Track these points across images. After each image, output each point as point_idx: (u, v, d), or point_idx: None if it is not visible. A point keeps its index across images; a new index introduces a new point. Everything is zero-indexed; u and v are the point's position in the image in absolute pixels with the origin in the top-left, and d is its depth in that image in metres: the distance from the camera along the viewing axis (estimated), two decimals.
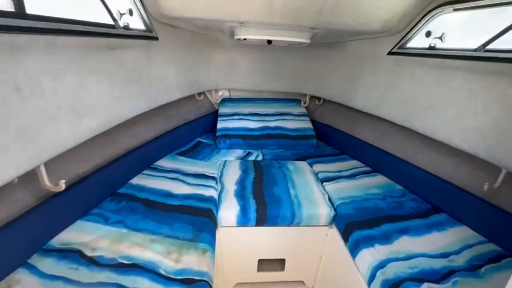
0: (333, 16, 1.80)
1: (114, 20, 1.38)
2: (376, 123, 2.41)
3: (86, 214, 1.53)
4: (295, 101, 3.20)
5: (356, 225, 1.61)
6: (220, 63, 2.90)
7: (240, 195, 1.87)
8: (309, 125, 2.90)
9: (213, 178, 2.06)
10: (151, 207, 1.65)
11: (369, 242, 1.49)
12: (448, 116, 1.62)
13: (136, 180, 1.92)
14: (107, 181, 1.72)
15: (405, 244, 1.47)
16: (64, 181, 1.26)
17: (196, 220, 1.58)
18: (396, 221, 1.65)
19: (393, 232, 1.55)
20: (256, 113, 2.94)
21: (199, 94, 2.99)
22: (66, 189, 1.35)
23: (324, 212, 1.79)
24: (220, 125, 2.80)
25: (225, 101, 3.13)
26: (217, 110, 3.04)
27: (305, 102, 3.19)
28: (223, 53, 2.85)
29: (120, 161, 1.82)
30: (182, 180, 1.98)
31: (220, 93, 3.23)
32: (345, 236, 1.63)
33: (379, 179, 2.17)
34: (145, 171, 2.06)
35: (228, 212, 1.74)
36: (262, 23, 1.92)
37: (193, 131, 2.83)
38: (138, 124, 2.13)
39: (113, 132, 1.77)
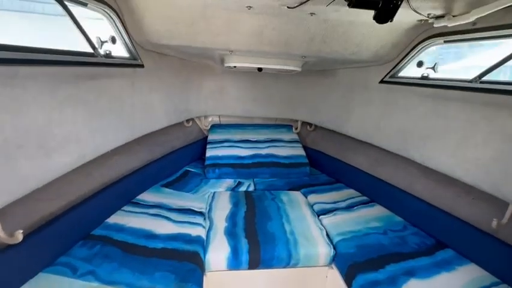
0: (324, 45, 1.78)
1: (94, 47, 1.28)
2: (369, 150, 2.35)
3: (50, 264, 1.31)
4: (287, 126, 3.14)
5: (359, 267, 1.47)
6: (210, 90, 2.83)
7: (231, 233, 1.69)
8: (301, 151, 2.82)
9: (201, 213, 1.89)
10: (129, 252, 1.44)
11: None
12: (448, 147, 1.57)
13: (114, 219, 1.72)
14: (78, 222, 1.51)
15: None
16: (21, 231, 1.07)
17: (181, 267, 1.38)
18: (401, 261, 1.51)
19: (400, 274, 1.41)
20: (247, 140, 2.84)
21: (188, 120, 2.88)
22: (27, 236, 1.15)
23: (323, 250, 1.64)
24: (210, 153, 2.67)
25: (214, 127, 3.03)
26: (207, 137, 2.93)
27: (296, 128, 3.13)
28: (213, 79, 2.80)
29: (96, 197, 1.63)
30: (166, 217, 1.79)
31: (210, 119, 3.13)
32: (348, 280, 1.47)
33: (378, 210, 2.05)
34: (125, 207, 1.86)
35: (217, 254, 1.55)
36: (252, 51, 1.89)
37: (181, 159, 2.68)
38: (119, 154, 1.96)
39: (89, 164, 1.60)
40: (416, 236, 1.75)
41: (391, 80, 1.94)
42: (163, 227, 1.68)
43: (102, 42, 1.33)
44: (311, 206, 2.12)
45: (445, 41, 1.51)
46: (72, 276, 1.26)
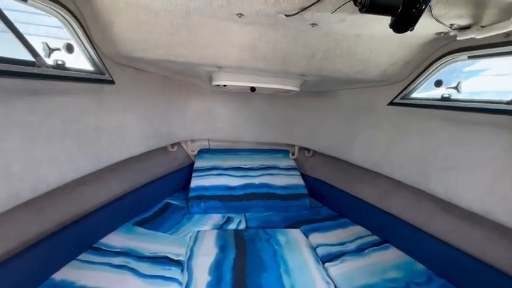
0: (326, 62, 1.55)
1: (35, 55, 0.99)
2: (377, 179, 2.05)
3: None
4: (283, 151, 2.85)
5: None
6: (197, 112, 2.55)
7: None
8: (299, 180, 2.50)
9: (178, 263, 1.51)
10: None
11: None
12: (481, 180, 1.29)
13: (63, 274, 1.33)
14: (10, 282, 1.13)
15: None
16: None
17: None
18: None
19: None
20: (238, 167, 2.52)
21: (173, 145, 2.57)
22: None
23: None
24: (195, 182, 2.32)
25: (202, 152, 2.72)
26: (194, 163, 2.60)
27: (293, 153, 2.84)
28: (200, 99, 2.53)
29: (43, 243, 1.26)
30: (133, 269, 1.41)
31: (197, 143, 2.82)
32: None
33: (393, 255, 1.71)
34: (82, 256, 1.47)
35: None
36: (244, 67, 1.64)
37: (162, 189, 2.32)
38: (85, 185, 1.61)
39: (41, 198, 1.26)
40: None
41: (403, 101, 1.70)
42: (126, 285, 1.30)
43: (51, 50, 1.05)
44: (313, 248, 1.77)
45: (469, 57, 1.29)
46: None
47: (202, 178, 2.36)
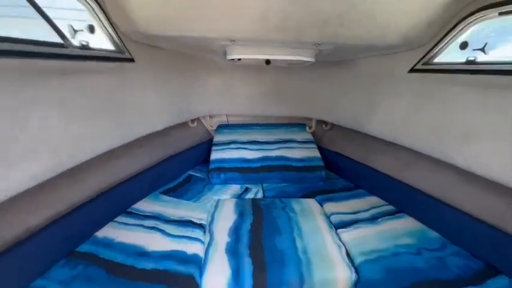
0: (342, 28, 1.49)
1: (63, 37, 1.08)
2: (397, 151, 2.02)
3: None
4: (300, 125, 2.85)
5: None
6: (215, 87, 2.61)
7: (233, 251, 1.46)
8: (316, 153, 2.52)
9: (201, 226, 1.67)
10: (114, 274, 1.25)
11: None
12: (503, 148, 1.23)
13: (104, 232, 1.54)
14: (62, 237, 1.34)
15: None
16: None
17: None
18: None
19: None
20: (255, 141, 2.59)
21: (193, 121, 2.68)
22: None
23: (343, 274, 1.36)
24: (214, 155, 2.45)
25: (221, 127, 2.81)
26: (213, 138, 2.71)
27: (311, 127, 2.84)
28: (218, 75, 2.57)
29: (87, 207, 1.46)
30: (162, 230, 1.59)
31: (216, 119, 2.91)
32: None
33: (408, 223, 1.74)
34: (118, 218, 1.68)
35: (216, 277, 1.33)
36: (257, 40, 1.63)
37: (185, 162, 2.48)
38: (117, 158, 1.79)
39: (82, 169, 1.44)
40: (459, 257, 1.43)
41: (425, 67, 1.61)
42: (156, 243, 1.48)
43: (76, 31, 1.14)
44: (327, 216, 1.84)
45: (500, 13, 1.18)
46: None
47: (221, 152, 2.47)
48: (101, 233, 1.53)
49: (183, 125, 2.58)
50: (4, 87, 0.93)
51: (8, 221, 1.16)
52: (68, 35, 1.11)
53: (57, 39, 1.10)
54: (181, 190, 2.13)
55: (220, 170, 2.31)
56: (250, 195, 2.13)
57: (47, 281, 1.19)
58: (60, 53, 1.07)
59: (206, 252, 1.46)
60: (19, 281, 1.13)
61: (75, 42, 1.15)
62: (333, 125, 2.77)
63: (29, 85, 1.01)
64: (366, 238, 1.58)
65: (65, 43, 1.09)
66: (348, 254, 1.49)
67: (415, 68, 1.66)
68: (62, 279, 1.21)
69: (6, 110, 0.95)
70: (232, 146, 2.53)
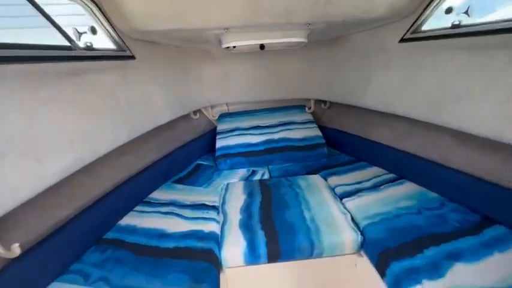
0: (330, 6, 1.54)
1: (70, 40, 1.17)
2: (393, 122, 2.09)
3: (63, 272, 1.28)
4: (299, 107, 2.92)
5: (393, 253, 1.29)
6: (212, 77, 2.68)
7: (246, 226, 1.58)
8: (317, 132, 2.61)
9: (214, 208, 1.79)
10: (141, 254, 1.38)
11: (414, 276, 1.16)
12: (492, 105, 1.30)
13: (126, 220, 1.67)
14: (90, 226, 1.47)
15: (463, 275, 1.13)
16: (18, 244, 1.01)
17: (195, 266, 1.30)
18: (442, 242, 1.31)
19: (442, 259, 1.22)
20: (257, 126, 2.68)
21: (195, 112, 2.77)
22: (37, 245, 1.11)
23: (349, 237, 1.48)
24: (220, 143, 2.55)
25: (223, 116, 2.90)
26: (216, 127, 2.80)
27: (310, 108, 2.91)
28: (214, 65, 2.64)
29: (107, 198, 1.58)
30: (178, 214, 1.71)
31: (217, 108, 2.99)
32: (381, 269, 1.30)
33: (408, 188, 1.83)
34: (137, 208, 1.81)
35: (233, 249, 1.45)
36: (249, 25, 1.69)
37: (192, 153, 2.59)
38: (128, 154, 1.90)
39: (96, 166, 1.54)
40: (457, 212, 1.53)
41: (413, 36, 1.66)
42: (175, 225, 1.60)
43: (80, 34, 1.22)
44: (332, 189, 1.95)
45: None
46: (84, 284, 1.22)
47: (225, 139, 2.57)
48: (124, 221, 1.65)
49: (187, 117, 2.66)
50: (24, 90, 1.02)
51: (41, 216, 1.28)
52: (73, 37, 1.19)
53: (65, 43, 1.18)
54: (192, 178, 2.25)
55: (226, 156, 2.42)
56: (257, 177, 2.24)
57: (83, 264, 1.32)
58: (69, 55, 1.15)
59: (222, 229, 1.58)
60: (59, 266, 1.26)
61: (81, 44, 1.23)
62: (331, 103, 2.84)
63: (44, 86, 1.10)
64: (369, 204, 1.69)
65: (72, 45, 1.18)
66: (353, 220, 1.60)
67: (404, 37, 1.72)
68: (94, 262, 1.34)
69: (28, 110, 1.04)
70: (235, 132, 2.62)
